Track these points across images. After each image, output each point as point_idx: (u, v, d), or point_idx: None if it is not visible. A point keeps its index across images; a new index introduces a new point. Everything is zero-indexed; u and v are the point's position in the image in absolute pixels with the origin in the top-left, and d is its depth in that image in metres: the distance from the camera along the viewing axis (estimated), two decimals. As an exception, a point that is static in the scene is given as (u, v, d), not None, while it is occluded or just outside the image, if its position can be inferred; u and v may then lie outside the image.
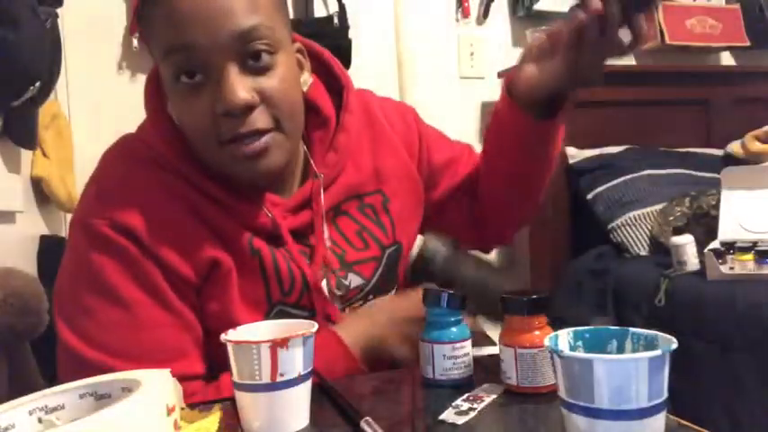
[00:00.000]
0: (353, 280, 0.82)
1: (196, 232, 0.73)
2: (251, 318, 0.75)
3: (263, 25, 0.68)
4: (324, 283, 0.79)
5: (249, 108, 0.68)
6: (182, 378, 0.65)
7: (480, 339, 0.79)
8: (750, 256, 1.48)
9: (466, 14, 2.18)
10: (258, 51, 0.68)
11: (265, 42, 0.68)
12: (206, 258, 0.72)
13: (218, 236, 0.73)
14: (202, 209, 0.73)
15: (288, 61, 0.73)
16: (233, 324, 0.70)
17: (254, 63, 0.68)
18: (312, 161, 0.81)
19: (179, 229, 0.72)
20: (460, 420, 0.61)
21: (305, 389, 0.61)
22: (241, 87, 0.67)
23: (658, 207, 1.91)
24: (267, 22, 0.69)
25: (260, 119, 0.69)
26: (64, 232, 1.55)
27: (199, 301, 0.74)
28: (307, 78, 0.80)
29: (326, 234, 0.80)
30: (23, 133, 1.26)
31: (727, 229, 1.61)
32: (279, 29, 0.71)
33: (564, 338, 0.54)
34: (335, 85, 0.84)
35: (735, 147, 2.07)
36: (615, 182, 2.01)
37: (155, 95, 0.77)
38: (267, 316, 0.77)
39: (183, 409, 0.61)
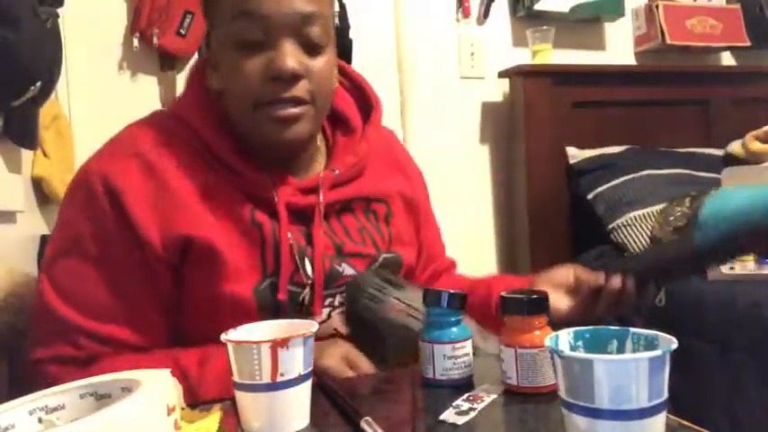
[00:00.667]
0: (346, 269, 0.84)
1: (191, 206, 0.76)
2: (239, 288, 0.76)
3: (321, 14, 0.77)
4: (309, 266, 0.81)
5: (295, 77, 0.76)
6: (108, 340, 0.74)
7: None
8: (750, 257, 1.48)
9: (466, 14, 2.18)
10: (313, 35, 0.77)
11: (319, 30, 0.77)
12: (186, 235, 0.75)
13: (218, 207, 0.77)
14: (212, 179, 0.78)
15: (331, 54, 0.82)
16: (221, 294, 0.75)
17: (307, 44, 0.77)
18: (333, 159, 0.88)
19: (171, 200, 0.76)
20: (460, 420, 0.61)
21: (305, 389, 0.61)
22: (293, 58, 0.75)
23: (658, 207, 1.90)
24: (325, 13, 0.79)
25: (301, 90, 0.77)
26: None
27: (178, 272, 0.77)
28: (336, 79, 0.87)
29: (329, 224, 0.84)
30: (24, 133, 1.26)
31: (728, 230, 1.61)
32: (329, 24, 0.81)
33: (564, 338, 0.54)
34: (365, 106, 0.92)
35: (735, 147, 2.06)
36: (615, 182, 2.01)
37: (199, 74, 0.84)
38: (258, 286, 0.78)
39: (183, 409, 0.61)
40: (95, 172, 0.77)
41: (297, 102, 0.77)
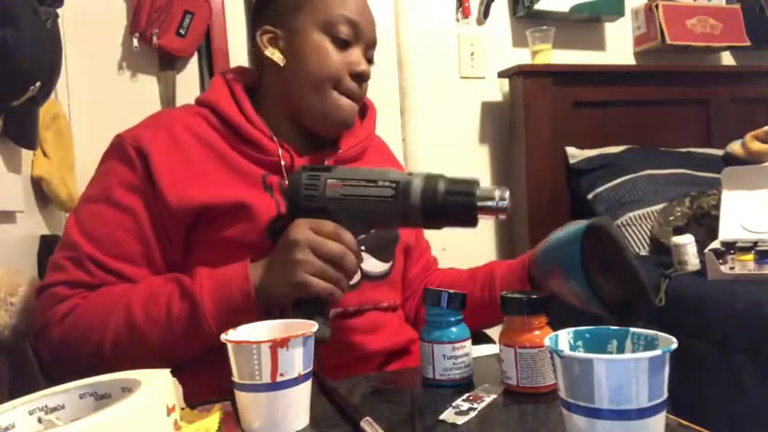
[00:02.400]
0: None
1: (208, 177, 0.86)
2: (253, 233, 0.85)
3: (377, 42, 0.98)
4: None
5: (367, 78, 0.95)
6: (118, 274, 0.83)
7: None
8: (750, 256, 1.47)
9: (466, 14, 2.18)
10: (372, 54, 0.97)
11: (374, 51, 0.98)
12: (199, 204, 0.84)
13: (233, 174, 0.88)
14: (230, 152, 0.89)
15: None
16: (236, 241, 0.85)
17: (368, 57, 0.96)
18: (337, 142, 1.00)
19: (191, 171, 0.86)
20: (460, 420, 0.61)
21: (305, 389, 0.61)
22: (367, 66, 0.94)
23: (658, 207, 1.91)
24: None
25: (365, 90, 0.96)
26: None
27: (189, 232, 0.86)
28: None
29: None
30: (23, 133, 1.26)
31: (728, 229, 1.61)
32: None
33: (564, 338, 0.54)
34: (360, 110, 1.03)
35: (735, 147, 2.06)
36: (615, 182, 2.01)
37: (224, 77, 0.97)
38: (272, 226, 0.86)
39: (183, 409, 0.61)
40: (129, 136, 0.88)
41: (362, 97, 0.96)
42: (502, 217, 0.75)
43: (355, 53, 0.93)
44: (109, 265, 0.83)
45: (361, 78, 0.94)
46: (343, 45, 0.92)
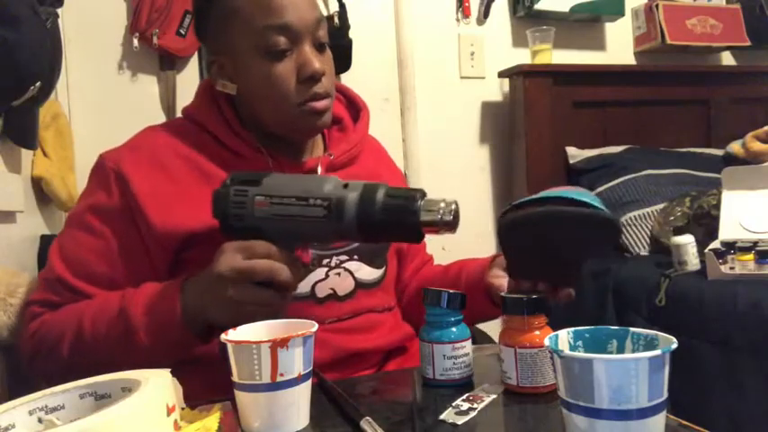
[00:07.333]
0: None
1: (195, 198, 0.84)
2: None
3: (323, 17, 0.90)
4: None
5: (322, 74, 0.87)
6: (84, 294, 0.83)
7: None
8: (750, 256, 1.47)
9: (466, 14, 2.18)
10: (322, 36, 0.89)
11: (324, 31, 0.89)
12: (187, 227, 0.83)
13: None
14: (217, 171, 0.87)
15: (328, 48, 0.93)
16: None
17: (318, 44, 0.88)
18: (329, 147, 0.98)
19: (177, 193, 0.85)
20: (460, 420, 0.61)
21: (305, 389, 0.61)
22: (316, 60, 0.87)
23: (659, 207, 1.91)
24: (323, 15, 0.91)
25: (325, 84, 0.88)
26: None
27: (177, 255, 0.86)
28: None
29: None
30: (23, 133, 1.26)
31: (728, 229, 1.61)
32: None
33: (564, 338, 0.54)
34: (353, 110, 1.03)
35: (735, 147, 2.07)
36: (615, 182, 2.01)
37: (209, 86, 0.94)
38: None
39: (182, 409, 0.61)
40: (111, 159, 0.88)
41: (326, 95, 0.88)
42: (448, 233, 0.68)
43: (299, 55, 0.86)
44: (74, 286, 0.84)
45: (314, 78, 0.86)
46: (282, 54, 0.85)
